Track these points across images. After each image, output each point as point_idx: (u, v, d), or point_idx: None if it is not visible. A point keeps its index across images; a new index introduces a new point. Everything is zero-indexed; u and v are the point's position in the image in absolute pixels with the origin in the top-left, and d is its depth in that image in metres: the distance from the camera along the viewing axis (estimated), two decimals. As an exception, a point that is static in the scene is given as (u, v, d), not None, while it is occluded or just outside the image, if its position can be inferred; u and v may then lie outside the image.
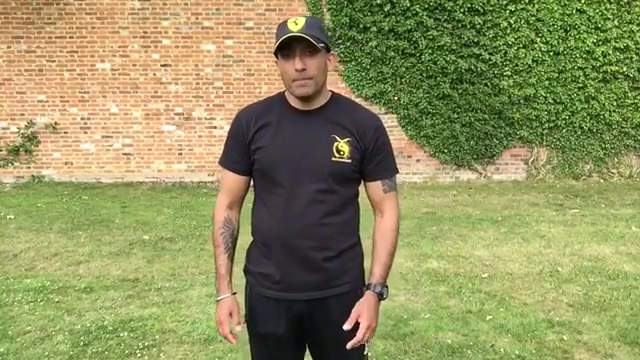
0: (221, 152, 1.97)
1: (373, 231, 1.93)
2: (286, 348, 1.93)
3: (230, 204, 1.93)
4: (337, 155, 1.80)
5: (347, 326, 1.77)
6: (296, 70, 1.73)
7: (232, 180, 1.92)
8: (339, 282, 1.86)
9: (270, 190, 1.84)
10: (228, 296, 1.88)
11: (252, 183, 1.95)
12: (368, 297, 1.83)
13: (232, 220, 1.93)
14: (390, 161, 1.91)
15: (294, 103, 1.85)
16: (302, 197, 1.80)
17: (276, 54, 1.78)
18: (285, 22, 1.75)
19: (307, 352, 2.02)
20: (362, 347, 1.87)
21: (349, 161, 1.81)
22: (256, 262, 1.90)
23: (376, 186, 1.90)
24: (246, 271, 1.95)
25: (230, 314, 1.86)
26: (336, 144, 1.80)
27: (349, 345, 1.77)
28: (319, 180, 1.80)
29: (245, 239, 1.97)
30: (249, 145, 1.85)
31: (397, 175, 1.97)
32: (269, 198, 1.85)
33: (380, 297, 1.85)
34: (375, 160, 1.87)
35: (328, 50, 1.80)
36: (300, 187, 1.80)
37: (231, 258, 1.92)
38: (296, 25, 1.71)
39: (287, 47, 1.73)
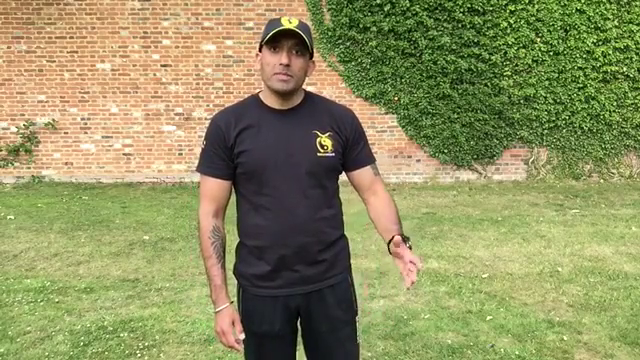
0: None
1: (372, 210, 1.96)
2: (280, 345, 1.94)
3: (216, 212, 1.89)
4: (321, 150, 1.84)
5: (420, 262, 1.84)
6: (281, 64, 1.75)
7: (215, 187, 1.87)
8: (332, 273, 1.92)
9: (258, 192, 1.84)
10: (228, 306, 1.88)
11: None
12: (401, 246, 1.85)
13: (220, 228, 1.90)
14: (369, 148, 1.99)
15: (271, 103, 1.86)
16: (292, 195, 1.82)
17: (260, 47, 1.80)
18: (278, 19, 1.78)
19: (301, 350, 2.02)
20: (355, 335, 1.97)
21: (333, 154, 1.85)
22: (249, 263, 1.90)
23: (366, 171, 1.95)
24: (237, 274, 1.95)
25: (232, 323, 1.86)
26: (319, 139, 1.84)
27: (409, 285, 1.83)
28: (307, 177, 1.82)
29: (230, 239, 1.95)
30: (232, 149, 1.83)
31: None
32: (258, 200, 1.84)
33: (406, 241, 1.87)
34: (357, 148, 1.93)
35: (311, 57, 1.85)
36: (289, 186, 1.81)
37: (224, 267, 1.90)
38: (290, 23, 1.75)
39: (277, 41, 1.76)
